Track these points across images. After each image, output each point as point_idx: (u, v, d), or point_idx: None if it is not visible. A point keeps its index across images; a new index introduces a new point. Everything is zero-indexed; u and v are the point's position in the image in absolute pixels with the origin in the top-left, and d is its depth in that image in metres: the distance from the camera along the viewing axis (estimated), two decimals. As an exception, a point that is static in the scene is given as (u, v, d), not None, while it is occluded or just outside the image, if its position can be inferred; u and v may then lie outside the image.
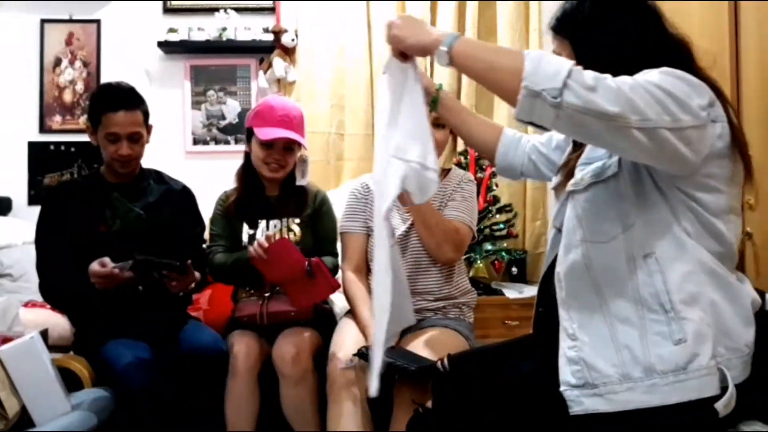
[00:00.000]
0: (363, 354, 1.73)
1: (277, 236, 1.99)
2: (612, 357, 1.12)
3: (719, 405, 1.07)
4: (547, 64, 1.04)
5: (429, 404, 1.37)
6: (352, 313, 1.97)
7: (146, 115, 2.03)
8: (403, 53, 1.29)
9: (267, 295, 2.02)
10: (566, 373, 1.16)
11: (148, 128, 2.06)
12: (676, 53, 1.21)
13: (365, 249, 2.01)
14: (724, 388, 1.08)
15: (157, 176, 2.15)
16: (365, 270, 2.02)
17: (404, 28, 1.25)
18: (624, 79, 1.06)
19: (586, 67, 1.09)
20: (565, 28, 1.27)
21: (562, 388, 1.17)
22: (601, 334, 1.14)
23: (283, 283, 2.00)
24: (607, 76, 1.06)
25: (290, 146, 2.09)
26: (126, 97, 1.97)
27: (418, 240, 1.93)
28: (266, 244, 1.89)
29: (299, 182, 2.14)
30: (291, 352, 1.89)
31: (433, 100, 1.50)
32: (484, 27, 3.22)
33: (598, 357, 1.13)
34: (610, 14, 1.24)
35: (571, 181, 1.24)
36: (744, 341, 1.14)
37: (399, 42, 1.26)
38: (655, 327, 1.10)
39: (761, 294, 1.24)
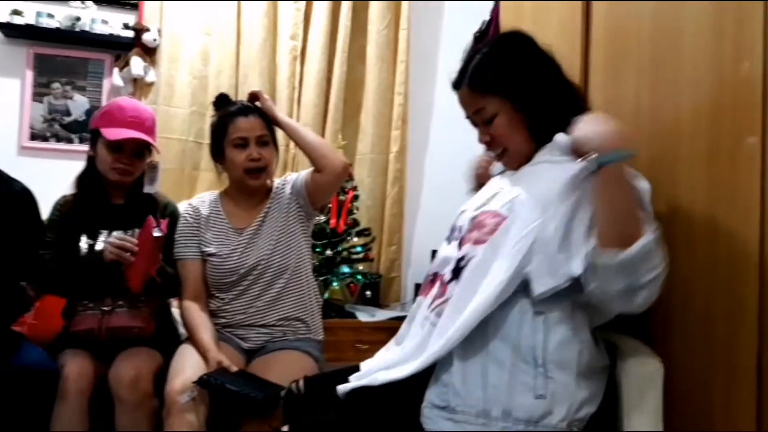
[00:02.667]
0: (204, 382, 1.64)
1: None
2: (478, 392, 1.17)
3: None
4: (650, 259, 1.08)
5: (285, 429, 1.33)
6: (191, 340, 1.87)
7: None
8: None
9: (107, 309, 1.86)
10: (433, 392, 1.21)
11: None
12: (579, 99, 1.34)
13: (203, 275, 1.94)
14: None
15: None
16: (204, 296, 1.95)
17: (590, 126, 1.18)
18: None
19: (527, 114, 1.24)
20: (495, 86, 1.29)
21: (424, 405, 1.21)
22: (475, 367, 1.19)
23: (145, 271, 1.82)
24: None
25: (140, 151, 1.97)
26: None
27: (265, 254, 1.90)
28: (134, 241, 1.78)
29: (147, 189, 2.02)
30: (130, 374, 1.75)
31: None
32: (354, 53, 3.27)
33: (467, 387, 1.18)
34: (531, 64, 1.31)
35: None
36: (598, 404, 1.22)
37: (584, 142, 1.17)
38: (522, 377, 1.17)
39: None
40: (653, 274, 1.08)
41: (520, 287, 1.20)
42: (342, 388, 1.28)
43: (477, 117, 1.34)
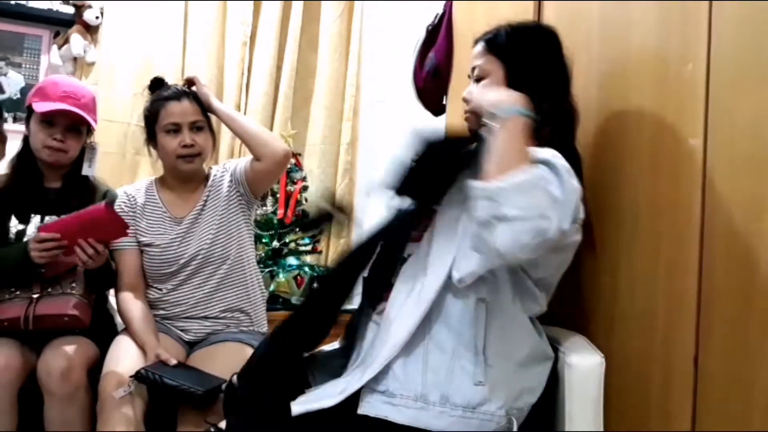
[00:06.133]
0: (141, 376, 1.58)
1: None
2: (417, 375, 1.17)
3: None
4: (521, 195, 1.05)
5: (222, 424, 1.29)
6: (129, 332, 1.81)
7: None
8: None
9: (36, 296, 1.76)
10: (372, 378, 1.19)
11: None
12: (572, 115, 1.35)
13: (139, 265, 1.88)
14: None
15: None
16: (141, 287, 1.89)
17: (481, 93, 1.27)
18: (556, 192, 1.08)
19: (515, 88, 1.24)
20: (503, 52, 1.33)
21: (363, 390, 1.19)
22: (417, 352, 1.19)
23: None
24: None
25: (76, 127, 1.87)
26: None
27: (205, 243, 1.86)
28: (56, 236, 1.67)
29: (85, 171, 1.93)
30: (60, 365, 1.66)
31: None
32: (306, 42, 3.22)
33: (407, 371, 1.18)
34: (545, 55, 1.34)
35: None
36: (539, 395, 1.24)
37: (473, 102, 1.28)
38: (463, 362, 1.17)
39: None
40: (520, 211, 1.03)
41: None
42: (296, 410, 1.22)
43: (473, 74, 1.37)
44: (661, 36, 1.30)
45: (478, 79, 1.34)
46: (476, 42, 1.39)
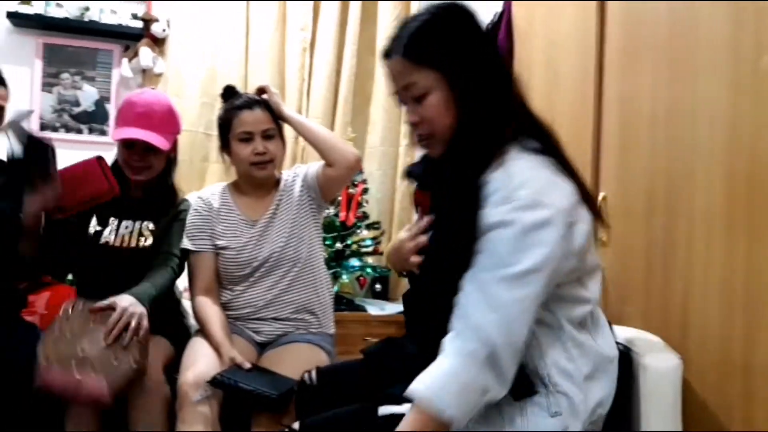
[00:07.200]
0: (217, 382, 1.63)
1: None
2: (496, 421, 1.13)
3: None
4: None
5: (296, 425, 1.32)
6: (204, 333, 1.86)
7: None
8: None
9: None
10: None
11: None
12: (509, 80, 1.20)
13: (215, 268, 1.93)
14: None
15: None
16: (216, 290, 1.94)
17: None
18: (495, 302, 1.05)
19: (461, 95, 1.12)
20: (434, 58, 1.14)
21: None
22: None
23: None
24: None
25: (152, 147, 1.93)
26: None
27: (278, 246, 1.90)
28: None
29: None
30: (141, 363, 1.74)
31: None
32: (363, 45, 3.26)
33: (486, 416, 1.13)
34: (472, 40, 1.16)
35: None
36: (611, 401, 1.19)
37: None
38: (534, 398, 1.13)
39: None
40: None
41: None
42: (383, 411, 1.21)
43: (407, 93, 1.18)
44: (733, 30, 1.26)
45: (417, 98, 1.16)
46: (386, 55, 1.19)
